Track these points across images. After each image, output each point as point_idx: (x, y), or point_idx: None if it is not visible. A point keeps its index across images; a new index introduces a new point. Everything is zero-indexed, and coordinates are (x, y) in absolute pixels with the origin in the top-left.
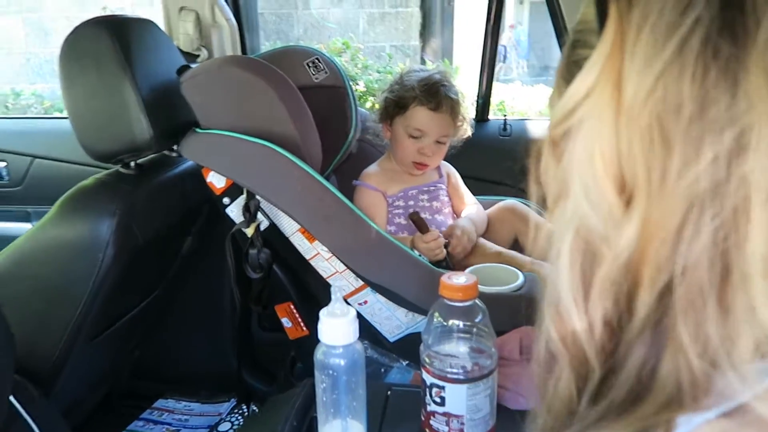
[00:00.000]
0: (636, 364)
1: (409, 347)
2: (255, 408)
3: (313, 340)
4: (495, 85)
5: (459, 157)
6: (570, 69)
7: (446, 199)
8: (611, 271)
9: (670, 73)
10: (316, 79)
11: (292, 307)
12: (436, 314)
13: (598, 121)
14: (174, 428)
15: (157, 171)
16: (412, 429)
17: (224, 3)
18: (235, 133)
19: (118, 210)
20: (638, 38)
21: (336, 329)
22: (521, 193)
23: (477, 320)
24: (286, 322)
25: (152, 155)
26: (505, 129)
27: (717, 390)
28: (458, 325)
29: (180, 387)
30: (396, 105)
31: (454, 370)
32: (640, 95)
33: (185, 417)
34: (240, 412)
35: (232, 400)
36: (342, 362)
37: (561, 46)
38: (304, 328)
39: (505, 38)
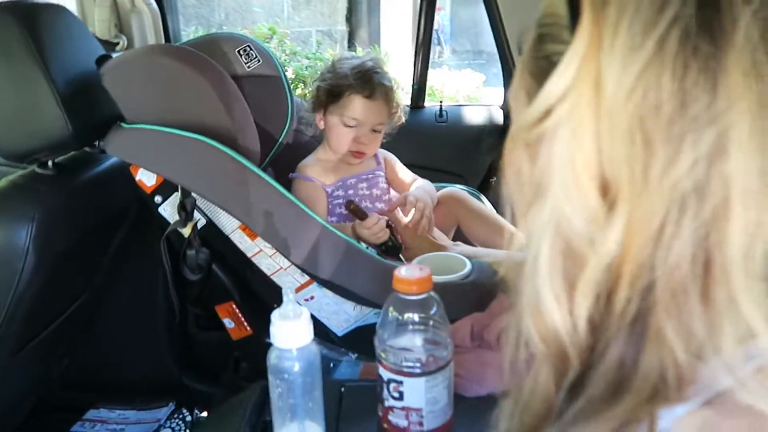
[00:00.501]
0: (614, 358)
1: (357, 340)
2: (199, 413)
3: (257, 339)
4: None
5: (396, 144)
6: (539, 64)
7: (385, 186)
8: (595, 273)
9: (650, 72)
10: (249, 67)
11: (234, 306)
12: (391, 308)
13: (578, 123)
14: None
15: (78, 170)
16: (369, 425)
17: None
18: (165, 127)
19: (36, 214)
20: (615, 36)
21: (289, 332)
22: (460, 179)
23: (432, 312)
24: (228, 322)
25: (72, 153)
26: (441, 115)
27: (701, 379)
28: (413, 318)
29: (114, 395)
30: (329, 94)
31: (411, 364)
32: (620, 95)
33: (120, 426)
34: (180, 416)
35: (171, 404)
36: (297, 365)
37: (495, 34)
38: (248, 328)
39: (435, 22)
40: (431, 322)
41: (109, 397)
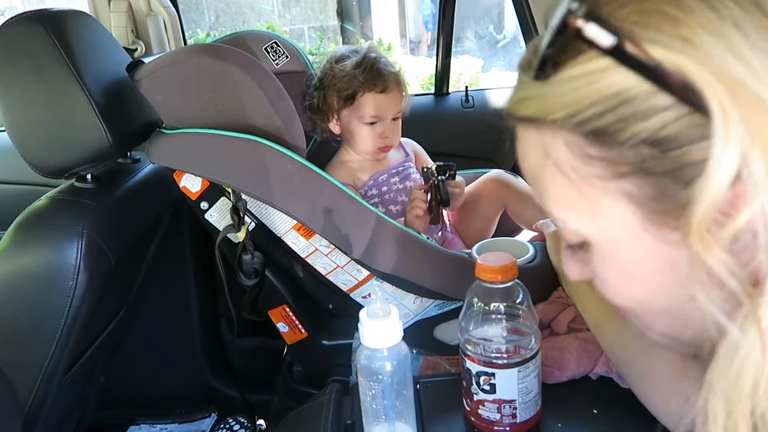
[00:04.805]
0: None
1: (415, 335)
2: (247, 422)
3: (312, 341)
4: (414, 60)
5: (423, 133)
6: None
7: (418, 177)
8: None
9: None
10: (277, 64)
11: (287, 310)
12: (475, 299)
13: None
14: None
15: (116, 182)
16: (455, 422)
17: None
18: (214, 130)
19: (85, 229)
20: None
21: (380, 331)
22: (491, 164)
23: (518, 301)
24: (282, 326)
25: (107, 165)
26: (467, 101)
27: None
28: (499, 308)
29: (152, 409)
30: (340, 99)
31: (502, 355)
32: None
33: None
34: (227, 426)
35: (212, 415)
36: (389, 365)
37: (519, 15)
38: (303, 331)
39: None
40: (518, 311)
41: (147, 412)
